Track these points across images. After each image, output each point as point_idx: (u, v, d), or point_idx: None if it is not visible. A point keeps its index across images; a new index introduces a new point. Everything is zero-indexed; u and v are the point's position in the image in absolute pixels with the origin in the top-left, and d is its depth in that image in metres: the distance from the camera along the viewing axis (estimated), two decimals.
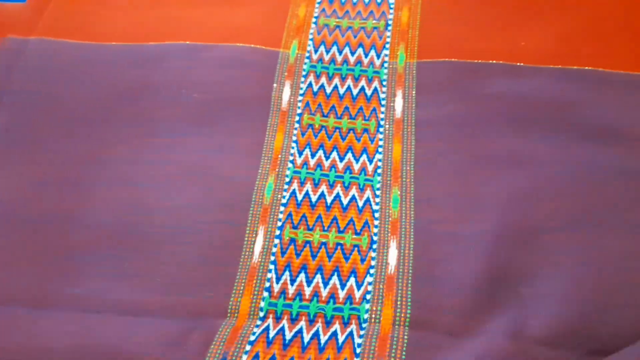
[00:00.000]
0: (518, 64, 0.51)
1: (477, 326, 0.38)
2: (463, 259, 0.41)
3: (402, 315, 0.39)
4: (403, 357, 0.37)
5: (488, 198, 0.44)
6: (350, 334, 0.38)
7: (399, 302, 0.39)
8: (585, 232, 0.42)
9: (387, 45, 0.53)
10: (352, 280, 0.41)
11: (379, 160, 0.47)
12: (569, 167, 0.45)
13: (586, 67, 0.50)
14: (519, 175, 0.45)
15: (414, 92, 0.50)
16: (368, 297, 0.40)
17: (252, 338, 0.38)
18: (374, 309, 0.39)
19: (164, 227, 0.44)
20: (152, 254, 0.43)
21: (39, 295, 0.41)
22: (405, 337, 0.38)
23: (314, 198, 0.45)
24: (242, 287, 0.41)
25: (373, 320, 0.39)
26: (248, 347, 0.38)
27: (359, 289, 0.41)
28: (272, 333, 0.39)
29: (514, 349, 0.37)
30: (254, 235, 0.44)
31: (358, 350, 0.37)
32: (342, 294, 0.40)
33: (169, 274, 0.42)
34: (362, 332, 0.38)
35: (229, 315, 0.40)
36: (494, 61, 0.51)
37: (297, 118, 0.50)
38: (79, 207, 0.45)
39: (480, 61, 0.51)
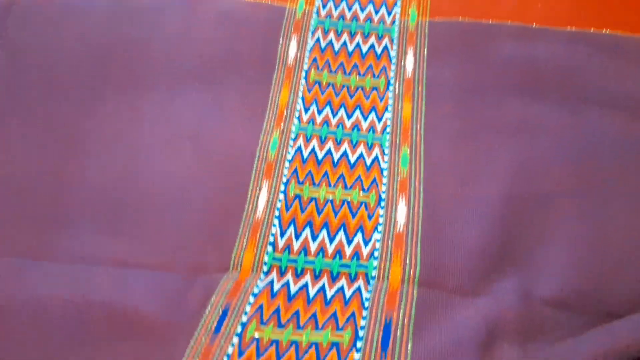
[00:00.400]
0: (532, 25, 0.49)
1: (486, 286, 0.37)
2: (472, 221, 0.40)
3: (411, 273, 0.37)
4: (413, 312, 0.35)
5: (497, 162, 0.43)
6: (358, 289, 0.37)
7: (407, 260, 0.38)
8: (594, 198, 0.41)
9: (399, 3, 0.51)
10: (359, 236, 0.40)
11: (388, 119, 0.45)
12: (579, 134, 0.44)
13: (603, 31, 0.49)
14: (528, 141, 0.44)
15: (425, 52, 0.49)
16: (376, 254, 0.39)
17: (256, 291, 0.37)
18: (382, 266, 0.38)
19: (162, 187, 0.42)
20: (149, 212, 0.41)
21: (30, 249, 0.39)
22: (415, 293, 0.36)
23: (320, 155, 0.44)
24: (245, 241, 0.39)
25: (381, 277, 0.37)
26: (251, 299, 0.36)
27: (366, 245, 0.39)
28: (276, 286, 0.37)
29: (523, 309, 0.36)
30: (257, 190, 0.42)
31: (366, 305, 0.36)
32: (348, 251, 0.39)
33: (167, 229, 0.40)
34: (369, 288, 0.37)
35: (230, 269, 0.38)
36: (509, 22, 0.49)
37: (303, 74, 0.48)
38: (71, 168, 0.43)
39: (493, 22, 0.50)
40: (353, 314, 0.36)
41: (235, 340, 0.35)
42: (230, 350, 0.34)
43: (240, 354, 0.34)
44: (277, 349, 0.34)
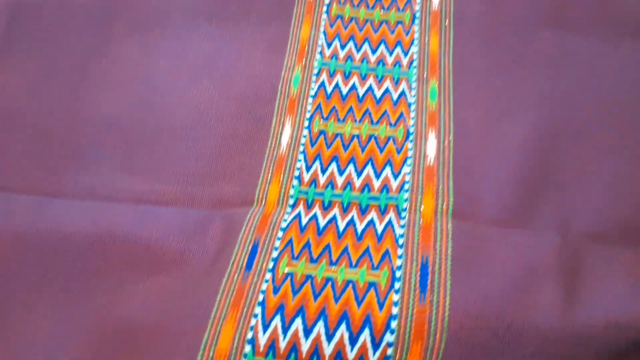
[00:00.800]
0: None
1: (522, 220, 0.36)
2: (504, 153, 0.38)
3: (444, 204, 0.36)
4: (449, 248, 0.34)
5: (529, 95, 0.41)
6: (390, 223, 0.36)
7: (440, 192, 0.36)
8: (630, 130, 0.39)
9: None
10: (387, 170, 0.38)
11: (415, 52, 0.44)
12: (613, 66, 0.42)
13: None
14: (560, 73, 0.42)
15: None
16: (406, 186, 0.37)
17: (284, 225, 0.36)
18: (414, 198, 0.36)
19: (180, 120, 0.41)
20: (168, 147, 0.40)
21: (47, 186, 0.38)
22: (449, 227, 0.35)
23: (344, 90, 0.42)
24: (269, 176, 0.38)
25: (413, 209, 0.36)
26: (280, 234, 0.35)
27: (395, 179, 0.38)
28: (304, 220, 0.36)
29: (562, 243, 0.34)
30: (280, 126, 0.40)
31: (401, 242, 0.35)
32: (377, 184, 0.37)
33: (188, 165, 0.39)
34: (402, 222, 0.35)
35: (255, 203, 0.37)
36: None
37: (325, 9, 0.46)
38: (87, 103, 0.42)
39: None
40: (387, 252, 0.34)
41: (269, 276, 0.33)
42: (264, 286, 0.33)
43: (275, 290, 0.33)
44: (313, 285, 0.33)
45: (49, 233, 0.35)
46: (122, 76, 0.43)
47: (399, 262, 0.34)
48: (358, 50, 0.44)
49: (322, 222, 0.36)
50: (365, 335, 0.31)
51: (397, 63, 0.43)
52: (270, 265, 0.34)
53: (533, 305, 0.31)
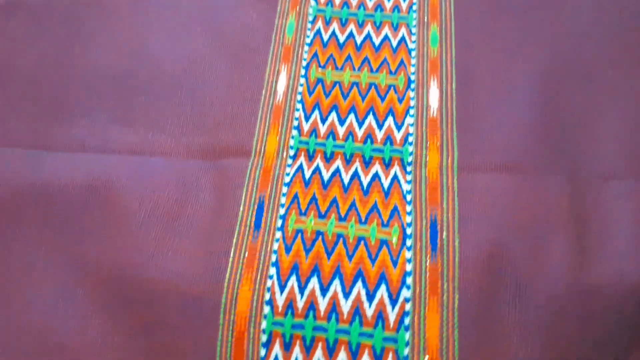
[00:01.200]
0: None
1: (530, 167, 0.35)
2: (509, 99, 0.37)
3: (449, 160, 0.35)
4: (456, 206, 0.33)
5: (534, 36, 0.40)
6: (395, 177, 0.34)
7: (444, 146, 0.35)
8: (637, 67, 0.38)
9: None
10: (390, 121, 0.37)
11: None
12: (618, 3, 0.41)
13: None
14: (565, 13, 0.40)
15: None
16: (410, 139, 0.36)
17: (287, 179, 0.34)
18: (419, 153, 0.35)
19: (173, 70, 0.39)
20: (161, 98, 0.38)
21: (39, 138, 0.36)
22: (455, 184, 0.34)
23: (341, 38, 0.40)
24: (266, 126, 0.36)
25: (418, 163, 0.35)
26: (285, 189, 0.34)
27: (399, 130, 0.36)
28: (307, 173, 0.35)
29: (574, 189, 0.33)
30: (275, 75, 0.38)
31: (409, 198, 0.33)
32: (380, 135, 0.36)
33: (181, 115, 0.37)
34: (408, 178, 0.34)
35: (253, 155, 0.35)
36: None
37: None
38: (78, 54, 0.39)
39: None
40: (396, 208, 0.33)
41: (279, 234, 0.32)
42: (276, 246, 0.32)
43: (288, 249, 0.32)
44: (324, 242, 0.32)
45: (45, 186, 0.34)
46: (113, 27, 0.40)
47: (408, 219, 0.33)
48: None
49: (326, 175, 0.34)
50: (382, 292, 0.31)
51: (395, 8, 0.41)
52: (279, 223, 0.33)
53: (544, 257, 0.31)
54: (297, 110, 0.37)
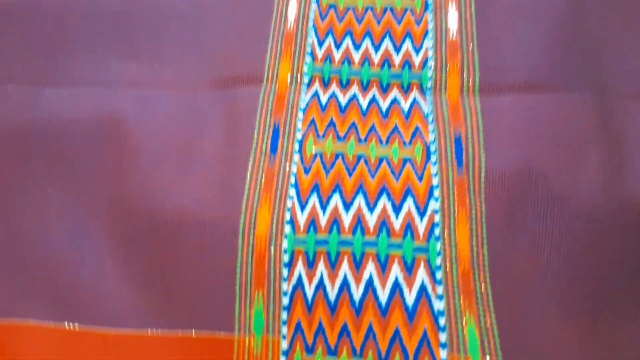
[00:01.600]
0: None
1: (555, 84, 0.33)
2: (532, 20, 0.35)
3: (470, 81, 0.33)
4: (480, 124, 0.31)
5: None
6: (415, 101, 0.33)
7: (465, 67, 0.33)
8: None
9: None
10: (407, 43, 0.35)
11: None
12: None
13: None
14: None
15: None
16: (429, 63, 0.34)
17: (303, 105, 0.33)
18: (438, 77, 0.33)
19: (175, 5, 0.37)
20: (165, 27, 0.36)
21: (42, 76, 0.35)
22: (477, 105, 0.32)
23: None
24: (278, 51, 0.34)
25: (438, 88, 0.33)
26: (301, 115, 0.32)
27: (417, 54, 0.34)
28: (323, 99, 0.33)
29: (602, 104, 0.32)
30: (284, 0, 0.36)
31: (430, 118, 0.32)
32: (397, 59, 0.34)
33: (187, 44, 0.35)
34: (428, 100, 0.33)
35: (265, 81, 0.34)
36: None
37: None
38: None
39: None
40: (418, 128, 0.32)
41: (296, 157, 0.31)
42: (294, 169, 0.31)
43: (306, 170, 0.30)
44: (345, 162, 0.31)
45: (49, 122, 0.32)
46: None
47: (431, 137, 0.31)
48: None
49: (343, 101, 0.33)
50: (409, 204, 0.29)
51: None
52: (296, 147, 0.31)
53: (577, 171, 0.29)
54: (310, 36, 0.35)
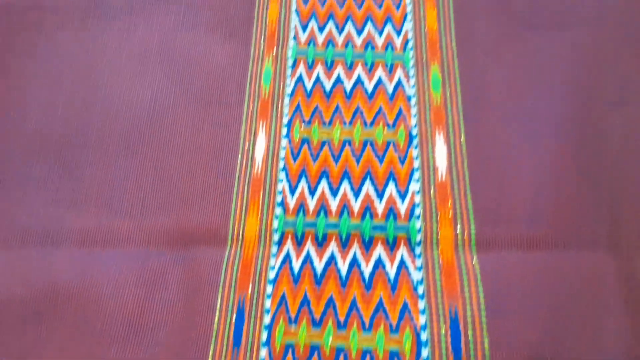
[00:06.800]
0: None
1: (563, 240, 0.29)
2: (532, 153, 0.31)
3: (466, 234, 0.29)
4: (481, 295, 0.27)
5: (549, 69, 0.34)
6: (402, 263, 0.29)
7: (458, 217, 0.29)
8: None
9: None
10: (391, 187, 0.31)
11: (409, 30, 0.36)
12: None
13: None
14: (584, 34, 0.35)
15: None
16: (417, 211, 0.30)
17: (272, 275, 0.28)
18: (428, 227, 0.29)
19: (128, 128, 0.33)
20: (114, 165, 0.32)
21: None
22: (476, 264, 0.28)
23: (327, 85, 0.34)
24: (244, 204, 0.30)
25: (428, 243, 0.29)
26: (269, 289, 0.28)
27: (403, 200, 0.30)
28: (296, 265, 0.29)
29: (618, 261, 0.28)
30: (251, 135, 0.32)
31: (420, 291, 0.28)
32: (380, 207, 0.30)
33: (140, 190, 0.31)
34: (418, 263, 0.28)
35: (229, 242, 0.29)
36: None
37: None
38: (11, 115, 0.33)
39: None
40: (406, 305, 0.28)
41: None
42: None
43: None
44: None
45: None
46: (53, 77, 0.34)
47: (422, 320, 0.27)
48: (340, 32, 0.36)
49: (319, 266, 0.29)
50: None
51: (389, 45, 0.35)
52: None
53: (591, 346, 0.25)
54: (280, 181, 0.31)
